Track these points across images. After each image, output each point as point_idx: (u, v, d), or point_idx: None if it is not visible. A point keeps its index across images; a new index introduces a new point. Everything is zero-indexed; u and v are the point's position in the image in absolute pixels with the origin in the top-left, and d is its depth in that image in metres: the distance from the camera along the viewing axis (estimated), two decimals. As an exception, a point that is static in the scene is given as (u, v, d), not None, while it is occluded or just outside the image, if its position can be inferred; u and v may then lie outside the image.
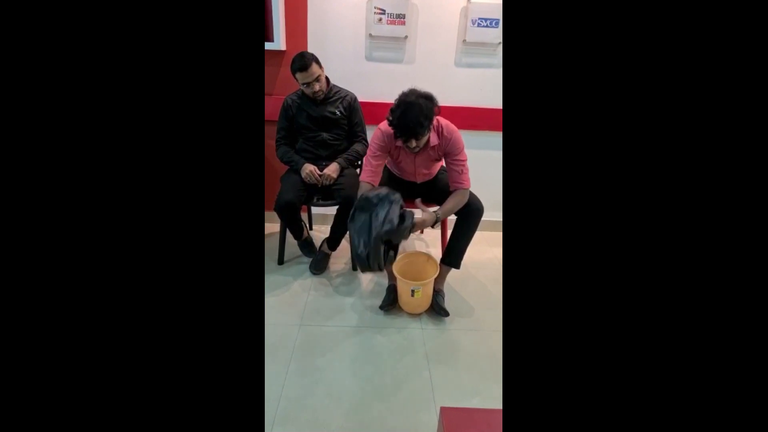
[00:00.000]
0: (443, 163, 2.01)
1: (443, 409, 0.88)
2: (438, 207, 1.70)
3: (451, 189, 1.71)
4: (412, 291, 1.70)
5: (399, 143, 1.62)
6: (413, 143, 1.56)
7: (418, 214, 1.68)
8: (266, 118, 2.22)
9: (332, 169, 1.99)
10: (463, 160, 1.69)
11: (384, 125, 1.64)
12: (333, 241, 2.12)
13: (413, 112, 1.48)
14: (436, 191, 1.83)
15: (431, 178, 1.92)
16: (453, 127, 1.69)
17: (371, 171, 1.71)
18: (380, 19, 2.12)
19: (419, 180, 1.90)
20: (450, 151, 1.68)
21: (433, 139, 1.65)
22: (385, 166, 1.84)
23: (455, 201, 1.68)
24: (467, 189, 1.70)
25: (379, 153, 1.69)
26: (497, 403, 1.32)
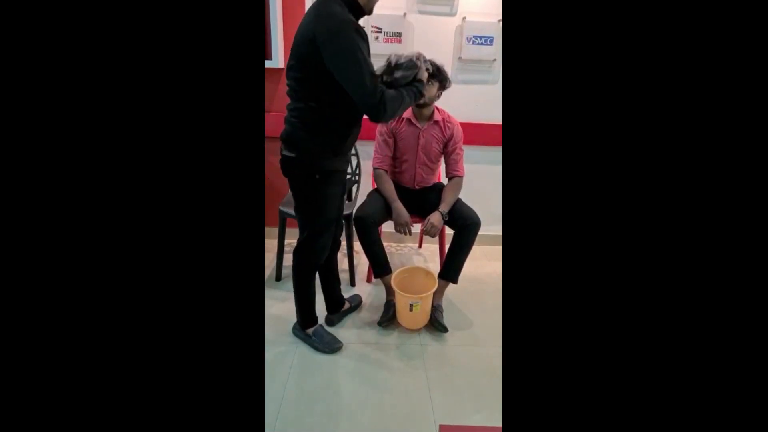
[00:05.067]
0: (440, 177, 2.03)
1: (443, 428, 0.86)
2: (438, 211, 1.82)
3: (447, 175, 1.91)
4: (411, 305, 1.69)
5: (407, 114, 1.81)
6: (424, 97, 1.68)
7: (416, 228, 1.77)
8: (266, 134, 2.24)
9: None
10: (462, 148, 1.88)
11: None
12: (333, 306, 1.81)
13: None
14: (429, 204, 1.84)
15: (428, 184, 1.95)
16: (454, 118, 1.89)
17: (382, 156, 1.87)
18: (377, 38, 2.16)
19: (417, 183, 1.94)
20: (452, 136, 1.86)
21: (437, 114, 1.84)
22: (385, 175, 1.89)
23: (453, 193, 1.84)
24: (461, 177, 1.87)
25: (387, 138, 1.86)
26: (498, 421, 1.30)
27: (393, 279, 1.78)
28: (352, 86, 1.19)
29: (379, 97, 1.20)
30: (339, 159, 1.39)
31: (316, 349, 1.62)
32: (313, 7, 1.25)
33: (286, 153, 1.36)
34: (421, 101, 1.74)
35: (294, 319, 1.71)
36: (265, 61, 2.12)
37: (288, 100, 1.35)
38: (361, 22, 2.11)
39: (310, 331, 1.64)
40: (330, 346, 1.62)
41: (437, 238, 2.00)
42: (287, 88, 1.35)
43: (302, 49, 1.22)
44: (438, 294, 1.83)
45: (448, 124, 1.86)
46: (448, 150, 1.88)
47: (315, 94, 1.26)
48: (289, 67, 1.30)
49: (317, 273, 1.68)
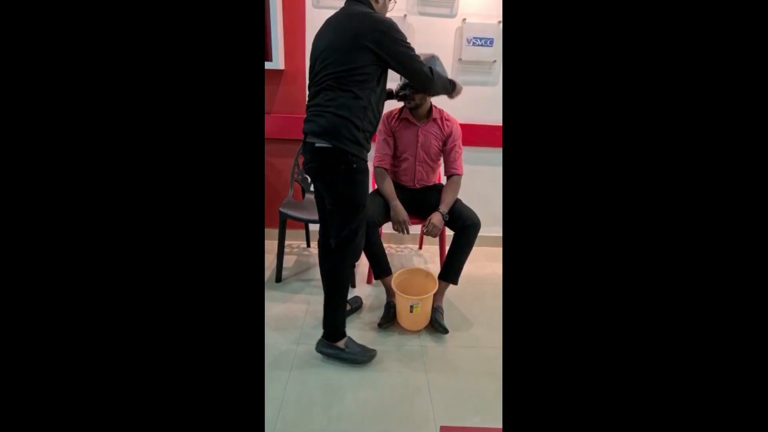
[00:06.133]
0: (440, 178, 2.03)
1: (443, 429, 0.86)
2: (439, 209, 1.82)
3: (446, 174, 1.91)
4: (411, 307, 1.69)
5: (405, 114, 1.85)
6: (415, 100, 1.77)
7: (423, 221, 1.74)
8: (266, 135, 2.24)
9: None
10: (460, 146, 1.90)
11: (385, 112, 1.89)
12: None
13: None
14: (430, 204, 1.85)
15: (429, 183, 1.96)
16: (452, 116, 1.92)
17: (382, 155, 1.88)
18: (377, 39, 2.16)
19: (418, 182, 1.95)
20: (451, 133, 1.88)
21: (435, 113, 1.87)
22: (385, 173, 1.89)
23: (452, 192, 1.85)
24: (460, 176, 1.88)
25: (387, 138, 1.88)
26: (498, 422, 1.30)
27: (393, 280, 1.78)
28: (411, 70, 1.40)
29: (430, 70, 1.45)
30: (367, 148, 1.43)
31: (353, 361, 1.52)
32: (346, 11, 1.39)
33: (320, 144, 1.35)
34: (411, 104, 1.78)
35: (294, 319, 1.71)
36: (265, 63, 2.12)
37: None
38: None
39: (341, 344, 1.53)
40: (367, 354, 1.55)
41: (437, 239, 2.00)
42: (316, 87, 1.38)
43: (343, 47, 1.32)
44: (438, 295, 1.83)
45: (447, 122, 1.87)
46: (447, 148, 1.89)
47: (355, 82, 1.33)
48: (327, 65, 1.34)
49: (320, 272, 1.68)
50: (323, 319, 1.54)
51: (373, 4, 1.43)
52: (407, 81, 1.62)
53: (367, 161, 1.44)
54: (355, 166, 1.37)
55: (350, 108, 1.33)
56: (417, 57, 1.39)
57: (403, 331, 1.78)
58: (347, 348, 1.53)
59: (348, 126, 1.33)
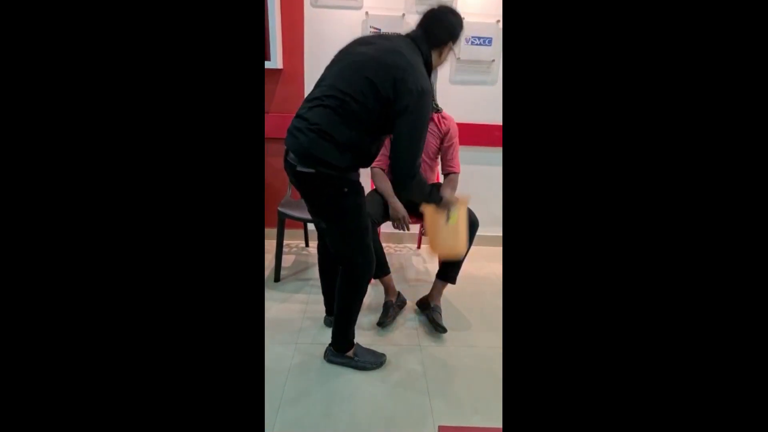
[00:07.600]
0: (438, 177, 2.04)
1: (442, 429, 0.86)
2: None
3: (443, 172, 1.92)
4: (448, 216, 1.44)
5: None
6: None
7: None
8: (265, 135, 2.24)
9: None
10: (458, 144, 1.91)
11: None
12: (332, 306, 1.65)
13: None
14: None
15: (428, 182, 1.95)
16: (449, 115, 1.91)
17: (380, 156, 1.74)
18: (376, 39, 2.16)
19: None
20: (448, 131, 1.88)
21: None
22: (383, 173, 1.88)
23: (451, 188, 1.87)
24: (457, 174, 1.90)
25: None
26: (497, 422, 1.30)
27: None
28: (403, 154, 1.21)
29: (414, 174, 1.24)
30: (356, 170, 1.33)
31: (364, 368, 1.52)
32: (397, 49, 1.21)
33: (302, 169, 1.22)
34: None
35: (293, 319, 1.71)
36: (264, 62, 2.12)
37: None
38: (360, 23, 2.14)
39: (350, 353, 1.54)
40: (378, 360, 1.55)
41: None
42: (316, 101, 1.23)
43: (368, 85, 1.18)
44: (436, 294, 1.83)
45: (444, 120, 1.87)
46: (444, 146, 1.89)
47: (355, 114, 1.19)
48: (339, 81, 1.21)
49: (320, 274, 1.68)
50: (333, 330, 1.53)
51: (434, 56, 1.27)
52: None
53: (357, 182, 1.30)
54: (346, 189, 1.24)
55: (341, 132, 1.19)
56: (415, 152, 1.21)
57: (402, 331, 1.78)
58: (357, 357, 1.54)
59: (332, 149, 1.19)
